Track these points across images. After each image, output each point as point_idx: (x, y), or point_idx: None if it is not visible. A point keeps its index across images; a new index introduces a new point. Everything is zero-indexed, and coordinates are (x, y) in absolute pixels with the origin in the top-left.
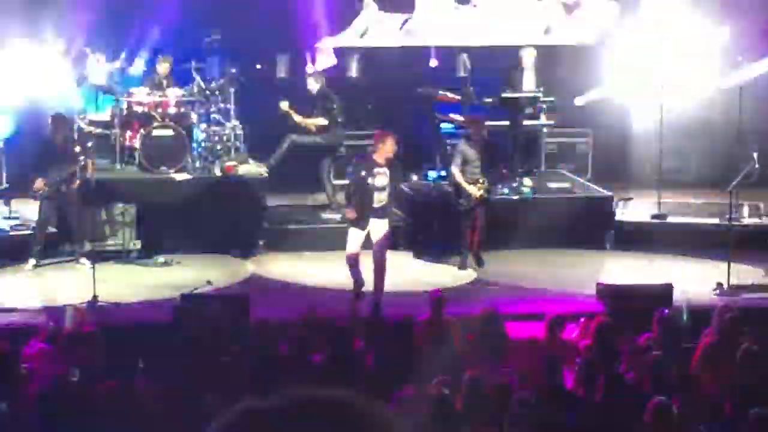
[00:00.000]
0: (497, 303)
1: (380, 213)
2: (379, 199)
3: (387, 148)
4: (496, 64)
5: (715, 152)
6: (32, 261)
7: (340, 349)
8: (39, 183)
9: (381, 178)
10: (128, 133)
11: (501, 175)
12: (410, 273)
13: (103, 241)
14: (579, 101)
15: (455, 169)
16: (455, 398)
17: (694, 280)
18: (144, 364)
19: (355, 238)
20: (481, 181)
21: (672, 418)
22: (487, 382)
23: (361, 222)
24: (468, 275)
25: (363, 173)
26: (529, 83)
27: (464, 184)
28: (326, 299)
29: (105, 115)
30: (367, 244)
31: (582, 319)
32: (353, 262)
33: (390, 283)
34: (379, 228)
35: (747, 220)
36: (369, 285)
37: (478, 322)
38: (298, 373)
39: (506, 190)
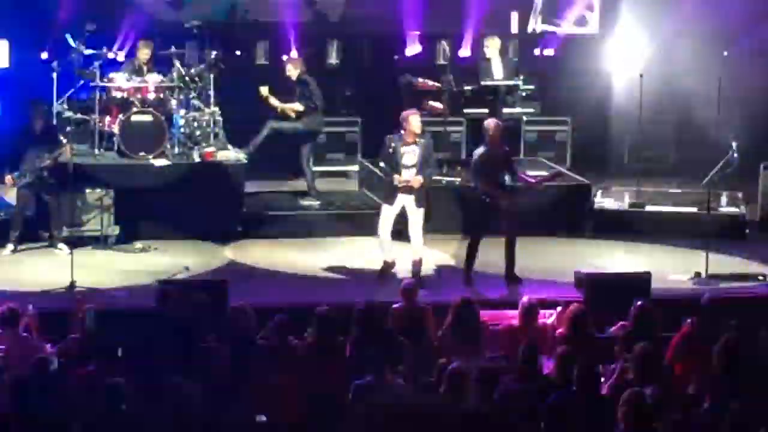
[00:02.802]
0: (475, 290)
1: (410, 189)
2: (409, 176)
3: (411, 127)
4: (476, 52)
5: (695, 141)
6: (10, 246)
7: (324, 337)
8: (8, 180)
9: (409, 155)
10: (107, 119)
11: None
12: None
13: (82, 227)
14: None
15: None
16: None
17: (673, 269)
18: (123, 352)
19: (387, 218)
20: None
21: (646, 409)
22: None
23: (390, 198)
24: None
25: (391, 150)
26: (497, 72)
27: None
28: (306, 286)
29: (84, 101)
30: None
31: (558, 308)
32: (385, 246)
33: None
34: (410, 204)
35: (725, 209)
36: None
37: (452, 311)
38: (278, 360)
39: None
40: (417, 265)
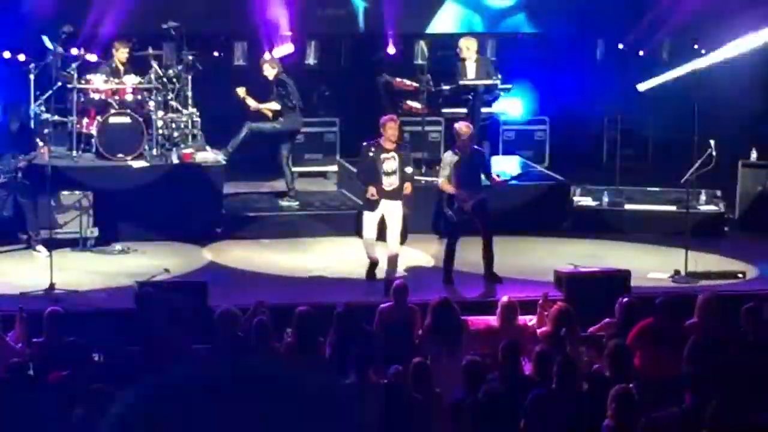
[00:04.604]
0: (456, 290)
1: (392, 195)
2: (390, 182)
3: (389, 133)
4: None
5: (673, 139)
6: None
7: (304, 336)
8: None
9: (390, 162)
10: (85, 121)
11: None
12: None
13: (60, 229)
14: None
15: (443, 180)
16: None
17: (652, 267)
18: (99, 357)
19: (370, 222)
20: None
21: (634, 406)
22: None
23: (372, 203)
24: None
25: (371, 157)
26: (471, 72)
27: (453, 192)
28: (285, 286)
29: (62, 102)
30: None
31: (538, 307)
32: (369, 245)
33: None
34: (391, 210)
35: (704, 207)
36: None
37: (431, 311)
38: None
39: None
40: (393, 260)
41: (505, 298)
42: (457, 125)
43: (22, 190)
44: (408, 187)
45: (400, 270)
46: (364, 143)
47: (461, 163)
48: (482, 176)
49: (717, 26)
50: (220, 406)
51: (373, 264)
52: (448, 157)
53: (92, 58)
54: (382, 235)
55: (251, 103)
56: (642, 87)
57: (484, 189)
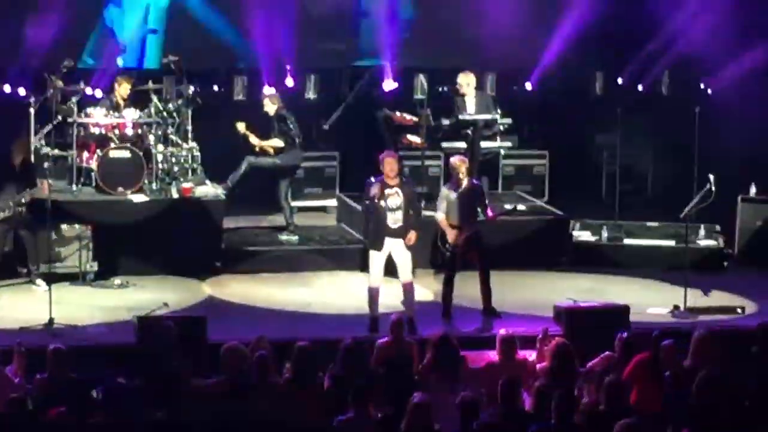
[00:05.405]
0: (454, 325)
1: (397, 233)
2: (394, 219)
3: (387, 169)
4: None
5: (673, 174)
6: None
7: (302, 371)
8: None
9: (393, 198)
10: (85, 155)
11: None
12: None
13: (60, 263)
14: None
15: (440, 215)
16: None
17: (651, 302)
18: (98, 393)
19: (376, 263)
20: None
21: None
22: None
23: (378, 244)
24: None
25: (374, 196)
26: (471, 107)
27: (447, 229)
28: (283, 321)
29: (62, 136)
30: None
31: (538, 342)
32: (374, 295)
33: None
34: (398, 247)
35: (703, 242)
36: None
37: (431, 347)
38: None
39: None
40: (409, 290)
41: (502, 331)
42: (452, 159)
43: (25, 224)
44: (412, 238)
45: (399, 305)
46: (368, 181)
47: (457, 197)
48: (479, 210)
49: (717, 60)
50: None
51: (375, 320)
52: (445, 192)
53: (98, 93)
54: (389, 270)
55: (254, 141)
56: None
57: (480, 223)
